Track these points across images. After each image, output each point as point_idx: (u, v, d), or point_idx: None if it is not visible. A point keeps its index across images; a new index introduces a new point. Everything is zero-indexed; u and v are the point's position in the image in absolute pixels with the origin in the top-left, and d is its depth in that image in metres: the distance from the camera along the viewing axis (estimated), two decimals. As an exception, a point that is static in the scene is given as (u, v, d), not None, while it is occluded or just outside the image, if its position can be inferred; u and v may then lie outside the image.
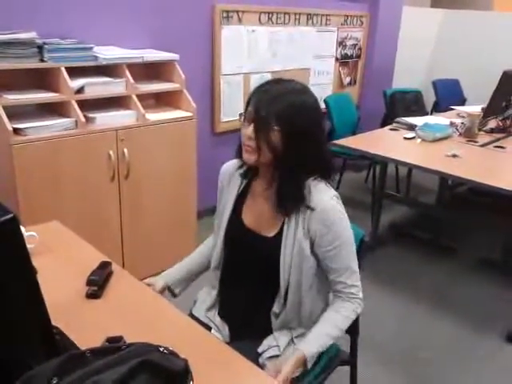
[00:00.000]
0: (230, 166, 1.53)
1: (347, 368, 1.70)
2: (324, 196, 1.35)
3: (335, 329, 1.38)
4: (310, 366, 1.34)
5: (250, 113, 1.31)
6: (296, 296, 1.40)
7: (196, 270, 1.66)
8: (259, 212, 1.43)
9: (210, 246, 1.63)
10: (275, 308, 1.43)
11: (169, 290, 1.58)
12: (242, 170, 1.47)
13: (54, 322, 1.02)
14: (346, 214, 1.38)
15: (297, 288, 1.39)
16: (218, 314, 1.55)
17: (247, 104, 1.34)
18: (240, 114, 1.37)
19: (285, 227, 1.38)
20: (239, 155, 1.40)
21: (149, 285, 1.53)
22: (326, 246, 1.35)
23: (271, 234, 1.41)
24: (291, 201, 1.35)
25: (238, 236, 1.47)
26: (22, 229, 1.44)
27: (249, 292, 1.48)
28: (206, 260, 1.65)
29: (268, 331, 1.46)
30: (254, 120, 1.29)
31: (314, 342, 1.36)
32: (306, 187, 1.35)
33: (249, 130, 1.30)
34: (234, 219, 1.48)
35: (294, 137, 1.29)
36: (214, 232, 1.59)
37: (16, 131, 2.21)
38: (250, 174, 1.46)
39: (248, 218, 1.46)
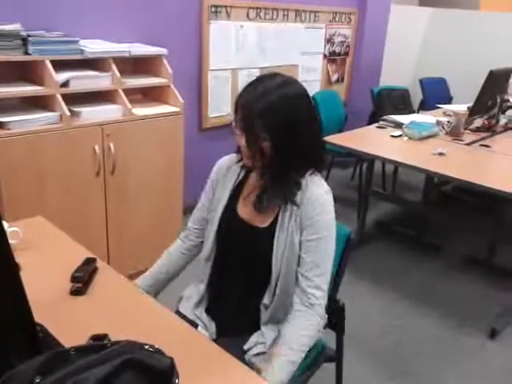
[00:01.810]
0: (227, 159, 1.55)
1: (333, 365, 1.71)
2: (319, 189, 1.37)
3: (298, 353, 1.31)
4: None
5: (239, 121, 1.33)
6: (285, 287, 1.39)
7: (169, 276, 1.64)
8: (254, 204, 1.43)
9: (181, 252, 1.64)
10: (265, 299, 1.43)
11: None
12: (240, 164, 1.49)
13: (37, 320, 1.00)
14: (333, 212, 1.38)
15: (286, 278, 1.38)
16: (206, 310, 1.54)
17: (235, 108, 1.35)
18: (231, 121, 1.39)
19: (279, 218, 1.39)
20: (239, 151, 1.43)
21: None
22: (306, 236, 1.36)
23: (264, 225, 1.41)
24: (283, 196, 1.36)
25: (231, 227, 1.48)
26: (5, 224, 1.41)
27: (240, 283, 1.48)
28: (178, 266, 1.64)
29: (256, 326, 1.46)
30: (244, 128, 1.31)
31: (280, 373, 1.28)
32: (302, 181, 1.36)
33: (242, 141, 1.33)
34: (229, 211, 1.48)
35: (283, 135, 1.30)
36: (187, 226, 1.63)
37: (-1, 125, 2.18)
38: (246, 168, 1.48)
39: (242, 210, 1.47)
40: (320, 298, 1.35)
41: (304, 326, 1.33)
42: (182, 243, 1.66)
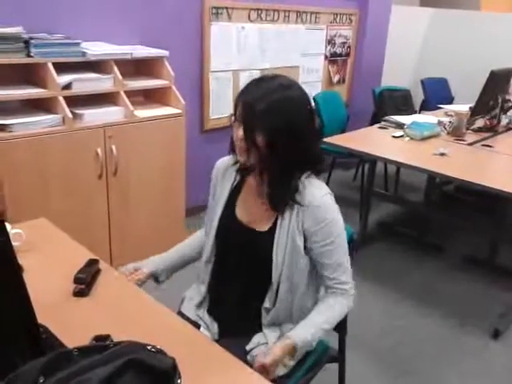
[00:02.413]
0: (225, 160, 1.54)
1: (335, 365, 1.71)
2: (318, 192, 1.37)
3: (326, 323, 1.39)
4: (298, 354, 1.36)
5: (239, 114, 1.32)
6: (287, 291, 1.40)
7: (182, 261, 1.66)
8: (252, 207, 1.44)
9: (200, 239, 1.65)
10: (266, 303, 1.43)
11: (153, 277, 1.59)
12: (236, 166, 1.48)
13: (40, 321, 1.01)
14: (338, 211, 1.39)
15: (288, 283, 1.39)
16: (208, 310, 1.55)
17: (236, 104, 1.34)
18: (231, 115, 1.37)
19: (278, 222, 1.38)
20: (233, 152, 1.41)
21: (135, 269, 1.55)
22: (319, 242, 1.36)
23: (264, 228, 1.41)
24: (281, 198, 1.36)
25: (230, 230, 1.47)
26: (8, 226, 1.42)
27: (240, 286, 1.48)
28: (193, 252, 1.66)
29: (257, 328, 1.46)
30: (243, 121, 1.31)
31: (305, 330, 1.36)
32: (299, 184, 1.36)
33: (239, 132, 1.31)
34: (228, 213, 1.48)
35: (281, 137, 1.29)
36: (205, 226, 1.61)
37: (2, 127, 2.19)
38: (243, 170, 1.46)
39: (241, 213, 1.47)
40: (349, 288, 1.42)
41: (338, 302, 1.41)
42: (199, 233, 1.69)
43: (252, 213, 1.44)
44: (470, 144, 3.16)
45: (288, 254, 1.37)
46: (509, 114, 3.67)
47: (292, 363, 1.41)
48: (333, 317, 1.40)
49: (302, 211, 1.35)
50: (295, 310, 1.43)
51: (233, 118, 1.36)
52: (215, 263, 1.52)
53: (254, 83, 1.34)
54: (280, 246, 1.37)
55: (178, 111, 2.83)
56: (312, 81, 4.46)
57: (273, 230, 1.39)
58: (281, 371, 1.40)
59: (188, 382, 0.91)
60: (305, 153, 1.36)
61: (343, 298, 1.41)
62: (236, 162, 1.47)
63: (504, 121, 3.59)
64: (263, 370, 1.23)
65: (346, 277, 1.41)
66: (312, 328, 1.37)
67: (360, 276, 3.06)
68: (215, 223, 1.49)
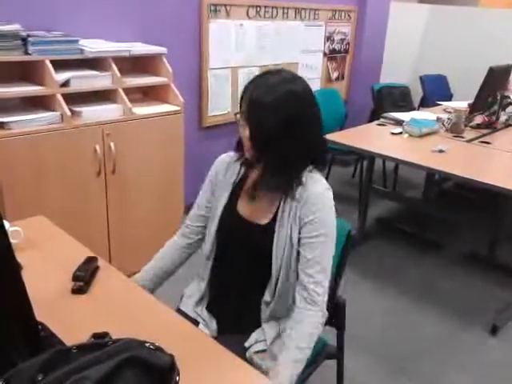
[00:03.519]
0: (227, 157, 1.54)
1: (334, 362, 1.71)
2: (318, 186, 1.37)
3: (305, 350, 1.31)
4: None
5: (244, 112, 1.33)
6: (285, 283, 1.40)
7: (165, 274, 1.63)
8: (254, 201, 1.44)
9: (172, 249, 1.64)
10: (266, 296, 1.43)
11: None
12: (240, 162, 1.49)
13: (39, 318, 1.01)
14: (333, 209, 1.39)
15: (287, 274, 1.39)
16: (207, 307, 1.55)
17: (241, 100, 1.36)
18: (235, 114, 1.39)
19: (278, 214, 1.39)
20: (238, 148, 1.43)
21: None
22: (307, 233, 1.36)
23: (264, 221, 1.42)
24: (283, 190, 1.37)
25: (231, 224, 1.48)
26: (7, 224, 1.42)
27: (240, 281, 1.48)
28: (172, 264, 1.63)
29: (256, 323, 1.46)
30: (248, 122, 1.32)
31: (287, 372, 1.27)
32: (301, 177, 1.37)
33: (246, 132, 1.33)
34: (229, 209, 1.48)
35: (287, 131, 1.30)
36: (185, 224, 1.63)
37: (0, 125, 2.18)
38: (247, 164, 1.48)
39: (243, 208, 1.47)
40: (321, 294, 1.35)
41: (308, 323, 1.33)
42: (179, 241, 1.65)
43: (253, 207, 1.44)
44: (469, 141, 3.16)
45: (287, 246, 1.37)
46: (507, 110, 3.67)
47: None
48: (308, 343, 1.31)
49: (301, 204, 1.36)
50: (290, 303, 1.43)
51: (238, 115, 1.37)
52: (215, 259, 1.52)
53: (258, 79, 1.35)
54: (280, 239, 1.38)
55: (177, 108, 2.83)
56: (311, 77, 4.46)
57: (273, 222, 1.40)
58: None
59: (186, 379, 0.91)
60: (309, 145, 1.37)
61: (313, 309, 1.33)
62: (240, 157, 1.48)
63: (503, 117, 3.59)
64: None
65: (321, 278, 1.34)
66: (295, 366, 1.29)
67: (359, 273, 3.10)
68: (216, 219, 1.49)
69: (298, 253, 1.38)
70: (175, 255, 1.63)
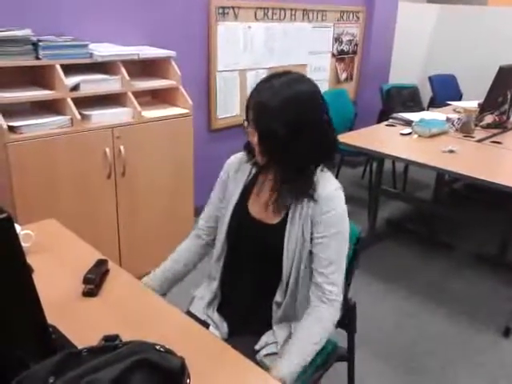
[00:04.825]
0: (238, 157, 1.55)
1: (345, 364, 1.70)
2: (329, 185, 1.37)
3: (315, 345, 1.32)
4: None
5: (252, 118, 1.33)
6: (296, 283, 1.40)
7: (177, 277, 1.63)
8: (265, 202, 1.44)
9: (185, 252, 1.64)
10: (278, 297, 1.43)
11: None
12: (250, 163, 1.48)
13: (50, 321, 1.02)
14: (345, 208, 1.39)
15: (298, 275, 1.39)
16: (217, 309, 1.55)
17: (247, 106, 1.35)
18: (244, 120, 1.38)
19: (289, 215, 1.39)
20: (247, 150, 1.44)
21: None
22: (319, 233, 1.35)
23: (275, 221, 1.41)
24: (295, 192, 1.37)
25: (242, 224, 1.48)
26: (18, 227, 1.44)
27: (251, 281, 1.48)
28: (185, 267, 1.63)
29: (267, 325, 1.46)
30: (256, 128, 1.32)
31: (291, 363, 1.28)
32: (313, 177, 1.36)
33: (254, 139, 1.33)
34: (240, 209, 1.48)
35: (297, 132, 1.30)
36: (197, 224, 1.64)
37: (11, 129, 2.20)
38: (258, 165, 1.47)
39: (254, 208, 1.47)
40: (337, 294, 1.35)
41: (322, 319, 1.34)
42: (191, 242, 1.66)
43: (264, 207, 1.44)
44: (479, 141, 3.13)
45: (298, 246, 1.37)
46: (518, 109, 3.64)
47: None
48: (320, 339, 1.33)
49: (312, 203, 1.35)
50: (301, 304, 1.42)
51: (245, 122, 1.36)
52: (226, 259, 1.52)
53: (263, 83, 1.34)
54: (291, 239, 1.38)
55: (186, 111, 2.84)
56: (319, 79, 4.45)
57: (284, 222, 1.39)
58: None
59: (197, 382, 0.91)
60: (320, 145, 1.36)
61: (328, 307, 1.34)
62: (250, 159, 1.48)
63: (513, 117, 3.56)
64: None
65: (335, 277, 1.35)
66: (300, 358, 1.30)
67: (369, 274, 3.08)
68: (227, 219, 1.49)
69: (311, 252, 1.38)
70: (189, 257, 1.64)
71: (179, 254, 1.66)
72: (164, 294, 1.59)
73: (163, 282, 1.60)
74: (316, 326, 1.34)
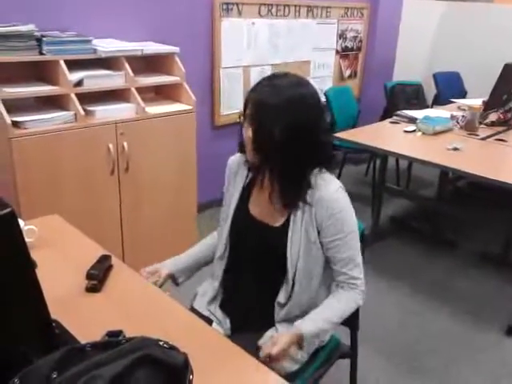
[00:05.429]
0: (237, 158, 1.55)
1: (347, 361, 1.70)
2: (330, 186, 1.37)
3: (335, 317, 1.39)
4: (307, 347, 1.36)
5: (249, 114, 1.33)
6: (302, 285, 1.40)
7: (202, 261, 1.66)
8: (265, 203, 1.44)
9: (214, 240, 1.64)
10: (280, 298, 1.43)
11: (172, 279, 1.58)
12: (248, 164, 1.48)
13: (53, 316, 1.02)
14: (351, 205, 1.39)
15: (303, 277, 1.39)
16: (220, 306, 1.55)
17: (246, 102, 1.35)
18: (240, 115, 1.38)
19: (291, 217, 1.39)
20: (242, 150, 1.42)
21: (155, 271, 1.53)
22: (331, 236, 1.36)
23: (278, 223, 1.41)
24: (293, 197, 1.37)
25: (244, 226, 1.48)
26: (21, 222, 1.44)
27: (253, 282, 1.48)
28: (211, 253, 1.64)
29: (270, 323, 1.46)
30: (252, 124, 1.31)
31: (313, 322, 1.36)
32: (311, 179, 1.36)
33: (249, 133, 1.32)
34: (241, 209, 1.49)
35: (293, 134, 1.29)
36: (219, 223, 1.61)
37: (15, 124, 2.20)
38: (252, 168, 1.47)
39: (255, 209, 1.47)
40: (360, 285, 1.42)
41: (348, 298, 1.41)
42: (209, 240, 1.68)
43: (265, 209, 1.44)
44: (484, 138, 3.12)
45: (302, 249, 1.37)
46: (523, 107, 3.62)
47: (301, 357, 1.41)
48: (342, 310, 1.40)
49: (315, 205, 1.35)
50: (308, 305, 1.43)
51: (242, 117, 1.36)
52: (229, 259, 1.52)
53: (265, 81, 1.33)
54: (294, 241, 1.38)
55: (189, 107, 2.84)
56: (323, 75, 4.44)
57: (286, 225, 1.39)
58: (293, 367, 1.40)
59: (200, 378, 0.91)
60: (316, 150, 1.36)
61: (353, 292, 1.41)
62: (247, 160, 1.47)
63: (518, 115, 3.54)
64: (270, 360, 1.23)
65: (357, 272, 1.41)
66: (320, 320, 1.37)
67: (372, 271, 3.07)
68: (229, 219, 1.50)
69: (321, 252, 1.40)
70: (209, 249, 1.65)
71: (202, 245, 1.68)
72: (180, 283, 1.59)
73: (184, 268, 1.60)
74: (342, 302, 1.40)
